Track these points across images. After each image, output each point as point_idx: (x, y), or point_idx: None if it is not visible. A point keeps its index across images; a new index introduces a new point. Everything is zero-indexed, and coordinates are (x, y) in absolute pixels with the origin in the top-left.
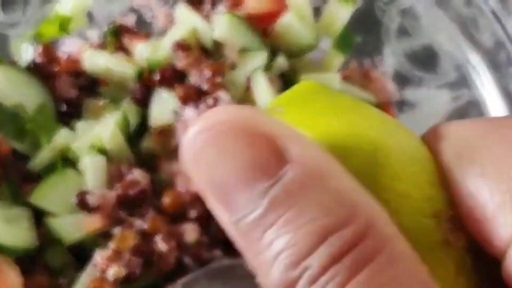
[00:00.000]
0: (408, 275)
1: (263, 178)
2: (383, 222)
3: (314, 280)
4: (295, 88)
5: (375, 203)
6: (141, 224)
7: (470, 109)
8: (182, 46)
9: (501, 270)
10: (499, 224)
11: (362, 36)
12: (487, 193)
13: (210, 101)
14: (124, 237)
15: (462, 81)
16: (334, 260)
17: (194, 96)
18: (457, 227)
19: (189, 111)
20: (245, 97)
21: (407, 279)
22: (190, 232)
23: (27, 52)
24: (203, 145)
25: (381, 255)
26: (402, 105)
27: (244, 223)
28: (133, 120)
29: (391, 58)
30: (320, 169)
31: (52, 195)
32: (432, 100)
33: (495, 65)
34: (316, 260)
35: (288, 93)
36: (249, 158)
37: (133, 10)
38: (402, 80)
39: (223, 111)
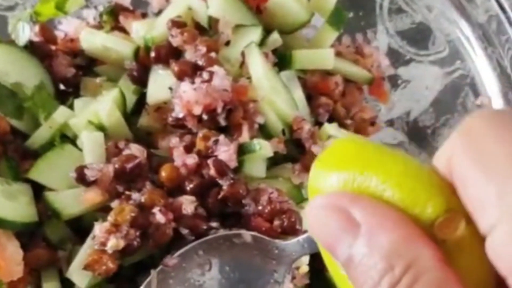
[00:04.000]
0: None
1: (346, 237)
2: (422, 259)
3: None
4: (336, 149)
5: (419, 243)
6: (138, 197)
7: (463, 82)
8: (177, 24)
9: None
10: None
11: (355, 12)
12: None
13: (205, 75)
14: (122, 210)
15: (455, 56)
16: None
17: (190, 72)
18: None
19: (184, 86)
20: (240, 71)
21: None
22: (187, 204)
23: (24, 32)
24: (312, 219)
25: (418, 282)
26: (395, 81)
27: (344, 265)
28: (130, 98)
29: (384, 35)
30: (376, 227)
31: (51, 170)
32: (425, 75)
33: (487, 38)
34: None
35: (335, 153)
36: (337, 226)
37: None
38: (395, 56)
39: (320, 198)
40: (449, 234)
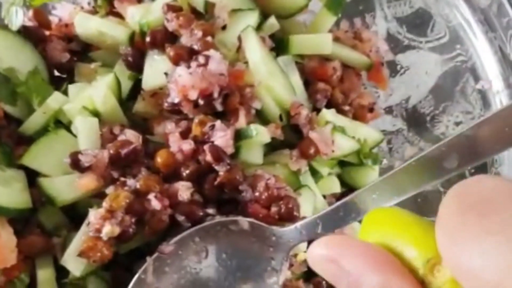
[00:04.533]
0: None
1: (342, 280)
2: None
3: None
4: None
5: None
6: (134, 183)
7: (463, 68)
8: (173, 8)
9: None
10: None
11: None
12: None
13: (201, 59)
14: (117, 196)
15: (455, 41)
16: None
17: (186, 56)
18: None
19: (180, 70)
20: (237, 56)
21: None
22: (183, 190)
23: (17, 16)
24: (314, 265)
25: None
26: (394, 67)
27: None
28: (125, 83)
29: (382, 21)
30: (362, 274)
31: (45, 156)
32: (424, 61)
33: (488, 22)
34: None
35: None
36: (331, 274)
37: None
38: (394, 42)
39: (316, 248)
40: (433, 277)
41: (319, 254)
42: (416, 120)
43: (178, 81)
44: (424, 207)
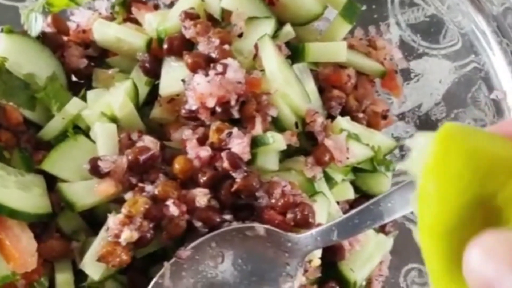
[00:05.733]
0: None
1: None
2: None
3: None
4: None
5: None
6: (152, 189)
7: (476, 76)
8: (190, 15)
9: None
10: None
11: (368, 4)
12: None
13: (219, 67)
14: (136, 202)
15: (469, 49)
16: None
17: (203, 64)
18: None
19: (198, 78)
20: (253, 64)
21: None
22: (201, 196)
23: (36, 22)
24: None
25: None
26: (408, 74)
27: None
28: (142, 89)
29: (396, 28)
30: None
31: (64, 162)
32: (437, 68)
33: (502, 31)
34: None
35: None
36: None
37: None
38: (408, 49)
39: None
40: None
41: (500, 239)
42: (429, 127)
43: (196, 89)
44: None
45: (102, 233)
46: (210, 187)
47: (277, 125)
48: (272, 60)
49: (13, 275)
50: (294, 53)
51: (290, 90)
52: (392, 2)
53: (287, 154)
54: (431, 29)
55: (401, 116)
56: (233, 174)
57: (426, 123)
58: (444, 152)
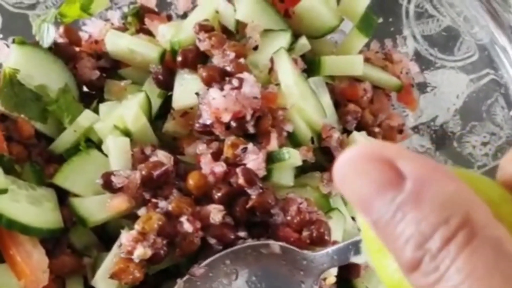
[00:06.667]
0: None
1: (390, 190)
2: (478, 214)
3: (434, 257)
4: None
5: (475, 199)
6: (166, 205)
7: (493, 89)
8: (205, 28)
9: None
10: None
11: (384, 17)
12: None
13: (235, 82)
14: (150, 218)
15: (485, 62)
16: (446, 242)
17: (218, 78)
18: None
19: (213, 93)
20: (268, 78)
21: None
22: (215, 213)
23: (49, 33)
24: (347, 170)
25: (475, 239)
26: (424, 87)
27: (381, 221)
28: (155, 102)
29: (412, 41)
30: (427, 179)
31: (76, 176)
32: (453, 81)
33: None
34: (434, 243)
35: None
36: (379, 177)
37: None
38: (424, 62)
39: (358, 148)
40: None
41: (365, 152)
42: (444, 140)
43: (212, 104)
44: None
45: (115, 249)
46: (224, 203)
47: (293, 140)
48: (289, 74)
49: None
50: (309, 66)
51: (306, 105)
52: (407, 14)
53: (302, 170)
54: (446, 41)
55: (416, 130)
56: (249, 191)
57: (441, 136)
58: None
